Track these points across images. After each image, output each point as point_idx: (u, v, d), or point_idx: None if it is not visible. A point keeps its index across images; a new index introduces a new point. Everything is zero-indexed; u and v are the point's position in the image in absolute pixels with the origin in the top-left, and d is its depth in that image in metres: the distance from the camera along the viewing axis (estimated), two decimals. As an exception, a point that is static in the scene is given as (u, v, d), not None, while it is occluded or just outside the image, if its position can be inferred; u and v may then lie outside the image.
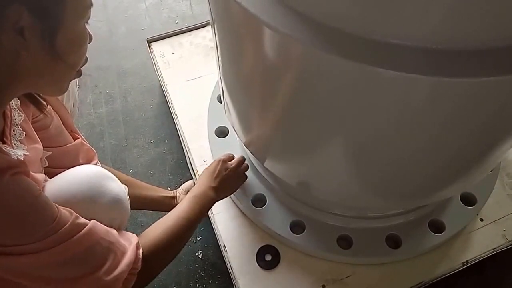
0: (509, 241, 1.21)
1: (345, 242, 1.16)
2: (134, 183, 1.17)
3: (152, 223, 1.37)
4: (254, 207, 1.20)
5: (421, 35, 0.58)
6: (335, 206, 1.15)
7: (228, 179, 1.10)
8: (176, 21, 1.91)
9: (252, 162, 1.26)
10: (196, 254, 1.33)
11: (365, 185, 0.91)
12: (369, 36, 0.60)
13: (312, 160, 0.90)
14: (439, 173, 0.87)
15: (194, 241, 1.35)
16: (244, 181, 1.20)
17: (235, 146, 1.30)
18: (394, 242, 1.16)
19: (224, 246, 1.19)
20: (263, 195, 1.22)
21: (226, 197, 1.14)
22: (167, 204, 1.21)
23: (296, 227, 1.18)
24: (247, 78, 0.84)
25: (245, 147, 1.15)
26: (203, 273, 1.30)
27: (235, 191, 1.17)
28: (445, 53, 0.59)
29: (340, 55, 0.60)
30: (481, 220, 1.24)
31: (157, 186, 1.44)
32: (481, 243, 1.20)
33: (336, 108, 0.72)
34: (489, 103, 0.65)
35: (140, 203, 1.17)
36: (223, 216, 1.24)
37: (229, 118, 1.11)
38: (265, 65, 0.74)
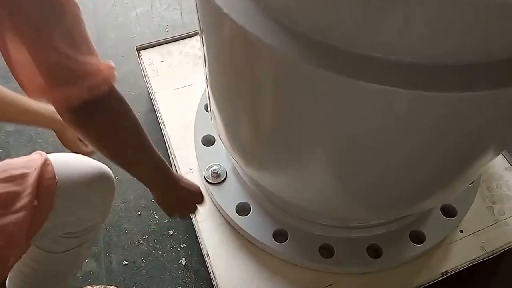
0: (488, 253, 1.23)
1: (327, 251, 1.18)
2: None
3: (137, 230, 1.38)
4: (238, 215, 1.22)
5: (403, 50, 0.61)
6: (317, 216, 1.17)
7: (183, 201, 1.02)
8: (166, 30, 1.92)
9: (237, 171, 1.27)
10: (180, 262, 1.33)
11: (345, 195, 0.93)
12: (353, 50, 0.62)
13: (294, 170, 0.92)
14: (419, 185, 0.89)
15: (178, 249, 1.35)
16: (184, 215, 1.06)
17: (221, 155, 1.31)
18: (375, 252, 1.18)
19: (208, 253, 1.20)
20: (248, 203, 1.23)
21: (168, 212, 1.01)
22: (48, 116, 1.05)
23: (279, 235, 1.19)
24: (233, 87, 0.86)
25: (230, 156, 1.16)
26: (185, 281, 1.30)
27: (174, 213, 1.03)
28: (426, 68, 0.61)
29: (323, 68, 0.62)
30: (461, 231, 1.26)
31: (143, 193, 1.45)
32: (460, 254, 1.23)
33: (318, 120, 0.74)
34: (467, 117, 0.67)
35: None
36: (207, 224, 1.25)
37: (215, 126, 1.13)
38: (250, 75, 0.76)
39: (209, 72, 0.94)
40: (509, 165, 1.40)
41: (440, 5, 0.53)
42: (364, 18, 0.59)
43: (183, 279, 1.30)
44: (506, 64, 0.61)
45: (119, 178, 1.49)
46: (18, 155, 1.52)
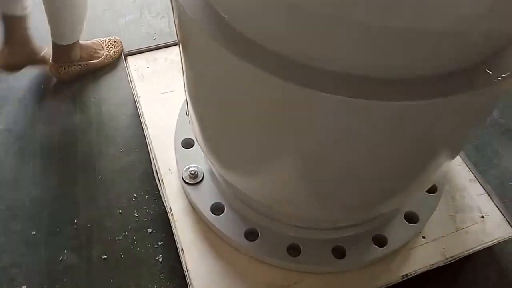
0: (448, 258, 1.30)
1: (294, 250, 1.24)
2: None
3: (117, 227, 1.44)
4: (212, 214, 1.28)
5: (354, 64, 0.69)
6: (286, 216, 1.24)
7: None
8: (154, 37, 2.00)
9: (213, 172, 1.34)
10: (157, 258, 1.39)
11: (305, 194, 1.00)
12: (307, 62, 0.70)
13: (260, 172, 1.00)
14: (372, 189, 0.97)
15: (156, 246, 1.42)
16: None
17: (199, 157, 1.38)
18: (340, 253, 1.25)
19: (182, 249, 1.27)
20: (222, 203, 1.30)
21: None
22: None
23: (251, 234, 1.26)
24: (203, 94, 0.94)
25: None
26: (162, 276, 1.36)
27: None
28: (374, 80, 0.69)
29: (278, 76, 0.69)
30: (423, 237, 1.33)
31: (124, 192, 1.52)
32: (421, 258, 1.29)
33: (277, 125, 0.81)
34: (409, 125, 0.75)
35: None
36: (183, 222, 1.32)
37: (192, 129, 1.20)
38: (216, 82, 0.84)
39: (185, 78, 1.01)
40: (473, 177, 1.48)
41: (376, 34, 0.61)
42: (318, 41, 0.67)
43: (159, 274, 1.37)
44: (433, 79, 0.69)
45: (101, 177, 1.56)
46: (7, 154, 1.59)
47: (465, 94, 0.69)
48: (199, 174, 1.34)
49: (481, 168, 1.67)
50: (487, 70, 0.71)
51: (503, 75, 0.71)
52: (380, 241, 1.27)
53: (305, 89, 0.69)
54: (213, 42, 0.73)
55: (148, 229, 1.45)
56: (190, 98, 1.06)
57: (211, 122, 1.01)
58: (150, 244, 1.42)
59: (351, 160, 0.85)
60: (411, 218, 1.32)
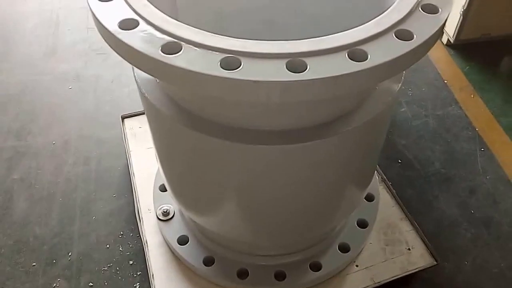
0: (376, 283, 1.55)
1: (244, 274, 1.51)
2: None
3: (104, 259, 1.72)
4: (178, 245, 1.57)
5: (260, 124, 1.00)
6: (237, 245, 1.52)
7: None
8: (148, 103, 2.37)
9: (181, 210, 1.64)
10: (134, 285, 1.66)
11: (242, 224, 1.30)
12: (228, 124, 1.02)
13: (205, 209, 1.31)
14: (292, 216, 1.26)
15: (135, 275, 1.69)
16: None
17: (171, 198, 1.68)
18: (282, 276, 1.51)
19: (153, 275, 1.54)
20: (187, 236, 1.59)
21: None
22: None
23: (209, 261, 1.54)
24: (161, 151, 1.27)
25: (172, 197, 1.54)
26: (137, 299, 1.64)
27: None
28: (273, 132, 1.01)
29: (205, 133, 1.01)
30: (357, 266, 1.59)
31: (113, 230, 1.82)
32: (352, 283, 1.55)
33: (208, 174, 1.13)
34: (300, 162, 1.06)
35: None
36: (156, 252, 1.60)
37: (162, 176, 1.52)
38: (162, 141, 1.17)
39: (151, 137, 1.34)
40: (404, 216, 1.74)
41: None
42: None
43: (135, 298, 1.64)
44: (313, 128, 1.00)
45: (95, 217, 1.88)
46: (19, 199, 1.92)
47: (321, 140, 1.00)
48: (170, 212, 1.64)
49: (421, 211, 1.93)
50: (338, 125, 1.03)
51: (348, 128, 1.02)
52: (316, 267, 1.53)
53: (226, 142, 1.00)
54: (163, 115, 1.06)
55: (130, 261, 1.73)
56: (156, 152, 1.38)
57: (165, 173, 1.34)
58: (130, 274, 1.70)
59: (267, 194, 1.16)
60: (344, 248, 1.58)
